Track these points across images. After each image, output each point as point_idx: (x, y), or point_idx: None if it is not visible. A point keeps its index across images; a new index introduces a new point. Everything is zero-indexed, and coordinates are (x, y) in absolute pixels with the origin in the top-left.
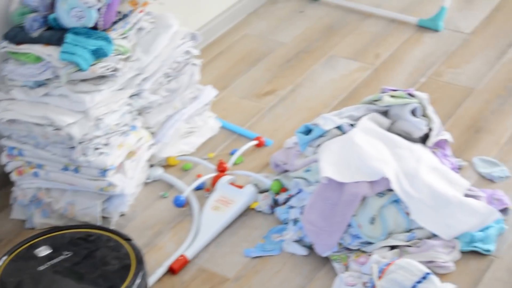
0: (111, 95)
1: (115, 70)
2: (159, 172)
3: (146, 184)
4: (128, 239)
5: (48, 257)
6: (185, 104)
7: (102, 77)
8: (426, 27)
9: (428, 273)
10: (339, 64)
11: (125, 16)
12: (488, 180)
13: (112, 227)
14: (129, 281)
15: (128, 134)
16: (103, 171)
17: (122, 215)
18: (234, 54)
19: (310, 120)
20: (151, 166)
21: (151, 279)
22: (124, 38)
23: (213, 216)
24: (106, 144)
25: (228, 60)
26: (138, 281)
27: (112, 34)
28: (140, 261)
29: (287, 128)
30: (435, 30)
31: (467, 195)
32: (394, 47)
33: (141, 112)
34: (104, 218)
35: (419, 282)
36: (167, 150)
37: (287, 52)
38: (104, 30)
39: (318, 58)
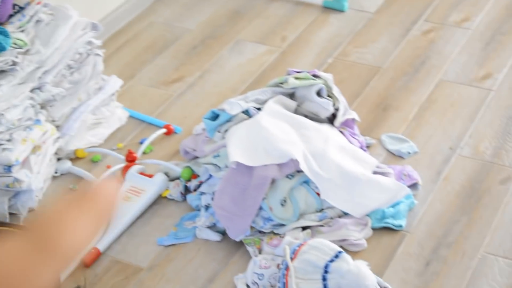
0: (11, 90)
1: (14, 64)
2: (67, 165)
3: (54, 178)
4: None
5: None
6: (90, 95)
7: (0, 72)
8: (331, 8)
9: (340, 252)
10: (246, 48)
11: (21, 9)
12: (397, 156)
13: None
14: None
15: (32, 128)
16: (8, 167)
17: (31, 210)
18: (140, 42)
19: (220, 106)
20: (59, 159)
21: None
22: (22, 31)
23: (124, 207)
24: (9, 140)
25: (134, 49)
26: None
27: (9, 28)
28: None
29: (197, 115)
30: (340, 11)
31: (376, 173)
32: (300, 29)
33: (44, 105)
34: (12, 214)
35: (331, 261)
36: (74, 142)
37: (193, 38)
38: (0, 24)
39: (225, 43)
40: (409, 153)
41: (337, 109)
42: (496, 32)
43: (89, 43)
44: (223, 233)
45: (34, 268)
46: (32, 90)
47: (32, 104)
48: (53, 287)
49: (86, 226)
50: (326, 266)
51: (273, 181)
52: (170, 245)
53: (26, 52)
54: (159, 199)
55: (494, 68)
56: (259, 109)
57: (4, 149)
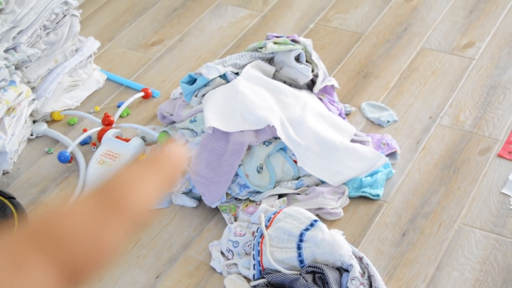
0: None
1: None
2: (43, 127)
3: (30, 140)
4: (11, 198)
5: None
6: (67, 57)
7: None
8: None
9: (315, 220)
10: (227, 12)
11: None
12: (376, 125)
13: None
14: None
15: (6, 89)
16: None
17: (5, 173)
18: (119, 4)
19: (197, 70)
20: (35, 122)
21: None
22: None
23: (99, 171)
24: None
25: (113, 11)
26: None
27: None
28: (23, 220)
29: (175, 79)
30: None
31: (354, 141)
32: None
33: (19, 66)
34: None
35: (306, 229)
36: (50, 105)
37: (174, 1)
38: None
39: (206, 6)
40: (388, 121)
41: (316, 76)
42: (479, 0)
43: (65, 3)
44: (199, 199)
45: (102, 226)
46: (6, 50)
47: (7, 64)
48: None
49: (152, 188)
50: (301, 235)
51: (250, 148)
52: None
53: (0, 12)
54: None
55: (477, 37)
56: (237, 73)
57: None
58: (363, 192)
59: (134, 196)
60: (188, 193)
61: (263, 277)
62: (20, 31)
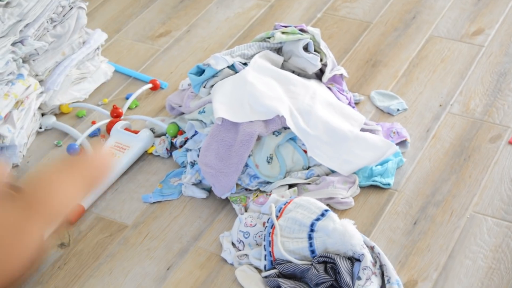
0: None
1: None
2: (51, 120)
3: (39, 133)
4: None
5: None
6: (74, 49)
7: None
8: None
9: (326, 210)
10: (234, 2)
11: None
12: (386, 113)
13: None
14: None
15: (14, 83)
16: None
17: (14, 166)
18: None
19: (205, 61)
20: (43, 114)
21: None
22: None
23: None
24: None
25: (120, 3)
26: None
27: None
28: None
29: (183, 70)
30: None
31: (364, 130)
32: None
33: (27, 60)
34: None
35: (317, 219)
36: (58, 97)
37: None
38: None
39: None
40: (398, 110)
41: (325, 65)
42: None
43: None
44: (209, 190)
45: (21, 226)
46: (13, 44)
47: (14, 58)
48: (38, 244)
49: (74, 189)
50: (312, 225)
51: (259, 138)
52: (155, 202)
53: (6, 5)
54: (145, 156)
55: (486, 24)
56: (245, 64)
57: None
58: (373, 181)
59: (55, 197)
60: (198, 184)
61: (274, 268)
62: (27, 24)
